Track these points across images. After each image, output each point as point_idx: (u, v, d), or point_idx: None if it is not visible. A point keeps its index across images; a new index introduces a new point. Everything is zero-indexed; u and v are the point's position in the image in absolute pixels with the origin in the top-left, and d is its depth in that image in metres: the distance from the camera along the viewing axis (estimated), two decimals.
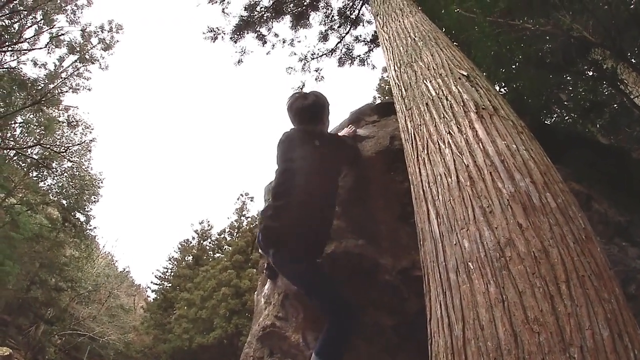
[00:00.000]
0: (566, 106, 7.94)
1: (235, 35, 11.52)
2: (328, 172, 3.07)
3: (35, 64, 19.58)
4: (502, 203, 1.58)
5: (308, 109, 3.21)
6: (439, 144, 2.02)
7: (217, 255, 28.18)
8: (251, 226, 25.97)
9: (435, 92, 2.38)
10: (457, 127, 2.02)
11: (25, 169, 23.31)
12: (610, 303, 1.31)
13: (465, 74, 2.47)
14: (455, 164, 1.85)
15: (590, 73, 7.11)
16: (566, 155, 4.04)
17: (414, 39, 3.31)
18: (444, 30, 4.98)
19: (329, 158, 3.06)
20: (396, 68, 3.15)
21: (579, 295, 1.30)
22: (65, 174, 24.42)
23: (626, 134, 8.76)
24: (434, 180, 1.92)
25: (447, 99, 2.25)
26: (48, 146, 21.70)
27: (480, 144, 1.86)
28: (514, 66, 6.14)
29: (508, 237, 1.47)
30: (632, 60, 6.87)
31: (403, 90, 2.80)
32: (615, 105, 7.84)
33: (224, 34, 11.45)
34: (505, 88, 6.50)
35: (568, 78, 7.21)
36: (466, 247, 1.55)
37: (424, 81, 2.59)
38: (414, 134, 2.32)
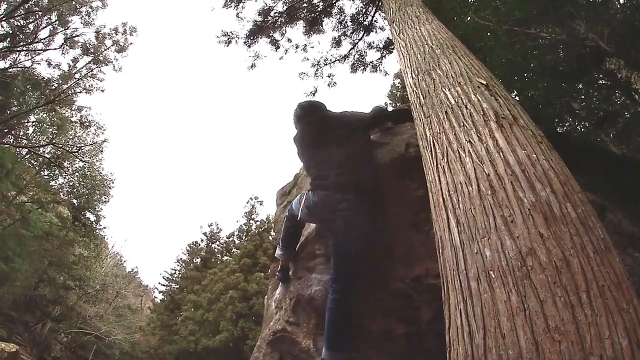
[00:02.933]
0: (579, 115, 7.92)
1: (249, 40, 11.56)
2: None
3: (49, 64, 19.79)
4: (523, 212, 1.59)
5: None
6: (459, 153, 2.02)
7: (225, 258, 28.15)
8: (260, 230, 25.97)
9: (455, 101, 2.38)
10: (477, 135, 2.02)
11: (37, 168, 23.52)
12: (628, 313, 1.31)
13: (484, 82, 2.47)
14: (476, 173, 1.85)
15: (604, 82, 7.09)
16: (580, 165, 4.02)
17: (432, 46, 3.32)
18: (459, 38, 4.98)
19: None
20: (414, 75, 3.15)
21: (599, 305, 1.31)
22: (77, 174, 24.59)
23: (638, 144, 8.71)
24: (454, 188, 1.92)
25: (466, 108, 2.25)
26: (60, 146, 21.84)
27: (501, 153, 1.86)
28: (528, 75, 6.13)
29: (529, 247, 1.47)
30: None
31: (421, 97, 2.80)
32: (627, 115, 7.80)
33: (238, 38, 11.51)
34: (519, 97, 6.49)
35: (581, 88, 7.19)
36: (487, 256, 1.55)
37: (443, 89, 2.59)
38: (433, 141, 2.32)
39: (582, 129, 7.91)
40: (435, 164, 2.19)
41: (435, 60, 3.03)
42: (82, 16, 19.74)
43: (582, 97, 7.52)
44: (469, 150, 1.98)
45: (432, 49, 3.26)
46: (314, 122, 3.69)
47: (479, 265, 1.57)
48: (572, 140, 5.81)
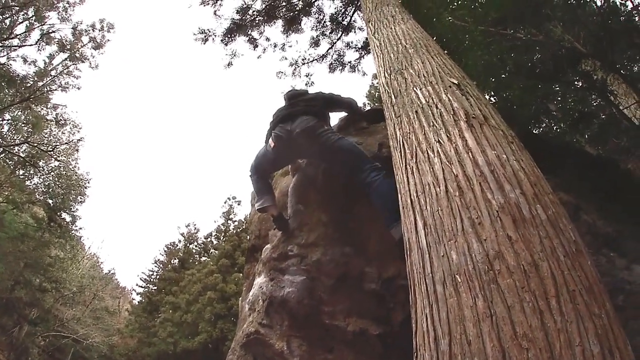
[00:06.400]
0: (555, 117, 7.99)
1: (226, 38, 11.51)
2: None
3: (25, 60, 19.32)
4: (491, 214, 1.55)
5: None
6: (428, 153, 1.99)
7: (203, 258, 28.00)
8: (238, 230, 25.88)
9: (425, 100, 2.35)
10: (447, 135, 1.99)
11: (11, 167, 23.07)
12: (600, 318, 1.28)
13: (455, 82, 2.45)
14: (444, 174, 1.81)
15: (580, 84, 7.16)
16: (555, 166, 4.04)
17: (405, 46, 3.30)
18: (435, 38, 4.99)
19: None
20: (386, 75, 3.13)
21: (569, 310, 1.27)
22: (52, 173, 24.20)
23: (614, 145, 8.81)
24: (422, 189, 1.89)
25: (437, 107, 2.22)
26: (35, 144, 21.47)
27: (470, 154, 1.83)
28: (504, 75, 6.16)
29: (497, 250, 1.44)
30: (622, 72, 6.93)
31: (393, 97, 2.77)
32: (603, 116, 7.89)
33: (215, 36, 11.45)
34: (495, 97, 6.52)
35: (557, 89, 7.25)
36: (454, 259, 1.51)
37: (414, 89, 2.56)
38: (402, 141, 2.29)
39: (558, 130, 7.98)
40: (404, 165, 2.16)
41: (408, 60, 3.01)
42: (59, 12, 19.36)
43: (559, 98, 7.59)
44: (437, 150, 1.95)
45: (405, 49, 3.24)
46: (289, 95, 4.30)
47: (445, 268, 1.53)
48: (548, 140, 5.84)
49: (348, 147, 3.41)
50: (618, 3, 6.54)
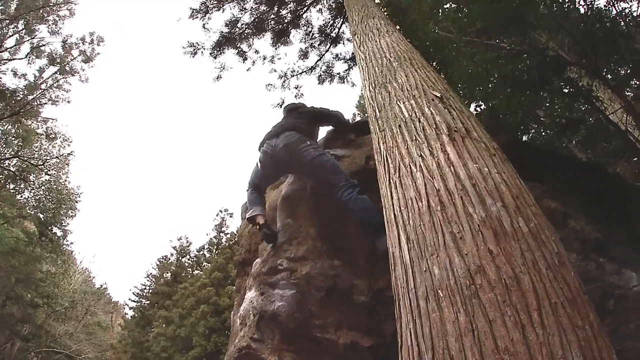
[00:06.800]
0: (543, 123, 8.04)
1: (215, 51, 11.54)
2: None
3: (15, 74, 19.20)
4: (472, 228, 1.56)
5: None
6: (410, 167, 2.00)
7: (196, 272, 27.79)
8: (230, 243, 25.72)
9: (408, 114, 2.37)
10: (429, 149, 2.00)
11: (2, 181, 22.89)
12: (584, 330, 1.28)
13: (438, 95, 2.47)
14: (427, 188, 1.82)
15: (566, 91, 7.22)
16: (544, 173, 4.07)
17: (390, 59, 3.32)
18: (421, 50, 5.02)
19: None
20: (371, 88, 3.16)
21: (552, 323, 1.27)
22: (43, 188, 24.01)
23: (602, 148, 8.88)
24: (405, 204, 1.90)
25: (419, 121, 2.24)
26: (26, 158, 21.27)
27: (452, 167, 1.84)
28: (490, 85, 6.20)
29: (478, 264, 1.44)
30: (608, 76, 6.99)
31: (377, 111, 2.80)
32: (591, 121, 7.95)
33: (204, 49, 11.47)
34: (482, 107, 6.56)
35: (545, 95, 7.30)
36: (436, 274, 1.52)
37: (398, 102, 2.58)
38: (386, 156, 2.31)
39: (546, 136, 8.03)
40: (388, 179, 2.17)
41: (392, 73, 3.03)
42: (49, 25, 19.33)
43: (547, 104, 7.65)
44: (420, 164, 1.96)
45: (389, 62, 3.26)
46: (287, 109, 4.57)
47: (427, 284, 1.54)
48: (536, 148, 5.88)
49: (325, 163, 3.52)
50: (602, 7, 6.60)
